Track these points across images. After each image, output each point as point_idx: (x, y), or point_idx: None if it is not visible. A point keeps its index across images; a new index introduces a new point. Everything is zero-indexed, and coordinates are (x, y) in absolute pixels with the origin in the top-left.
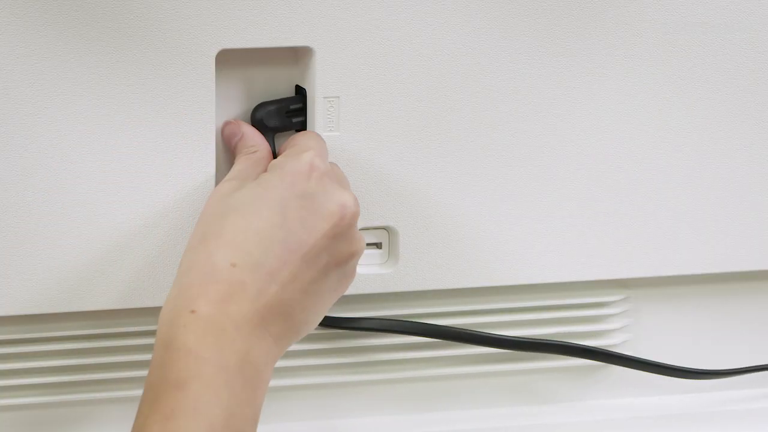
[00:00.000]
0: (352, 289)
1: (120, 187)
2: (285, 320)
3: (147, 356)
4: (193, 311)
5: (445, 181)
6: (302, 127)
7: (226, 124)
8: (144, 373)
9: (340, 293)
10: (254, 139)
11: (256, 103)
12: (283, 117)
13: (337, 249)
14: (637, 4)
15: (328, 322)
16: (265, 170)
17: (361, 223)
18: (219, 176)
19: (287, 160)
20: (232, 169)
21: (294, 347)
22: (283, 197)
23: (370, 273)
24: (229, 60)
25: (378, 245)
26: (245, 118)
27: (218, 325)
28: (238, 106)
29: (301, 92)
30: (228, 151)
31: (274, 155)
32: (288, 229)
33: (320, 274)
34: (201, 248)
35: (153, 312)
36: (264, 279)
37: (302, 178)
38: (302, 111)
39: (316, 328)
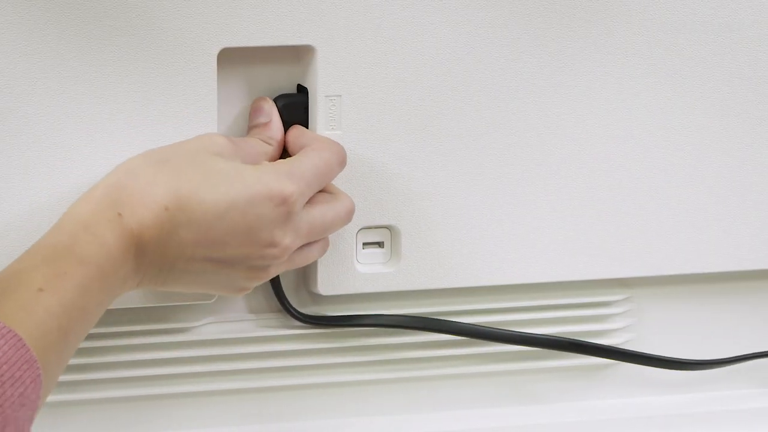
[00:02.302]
0: (353, 288)
1: None
2: (158, 278)
3: (146, 356)
4: (119, 214)
5: (447, 180)
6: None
7: (262, 100)
8: (143, 372)
9: (219, 291)
10: (276, 133)
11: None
12: (302, 112)
13: (239, 269)
14: (638, 4)
15: (331, 321)
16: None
17: (363, 222)
18: None
19: (273, 176)
20: (241, 138)
21: (294, 347)
22: (240, 199)
23: (372, 272)
24: (230, 58)
25: (380, 244)
26: (248, 116)
27: (130, 242)
28: (239, 104)
29: (302, 91)
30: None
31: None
32: (222, 225)
33: (213, 272)
34: (152, 169)
35: (154, 312)
36: (174, 242)
37: (267, 201)
38: None
39: (316, 327)
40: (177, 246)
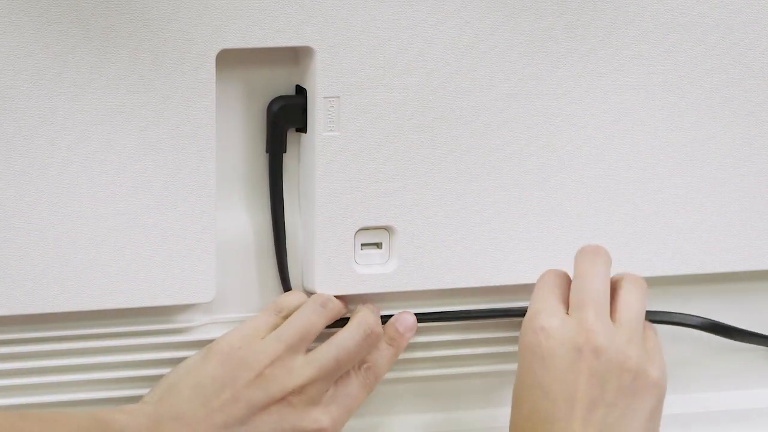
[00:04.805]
0: (351, 289)
1: (120, 187)
2: None
3: (146, 356)
4: None
5: (445, 180)
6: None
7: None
8: (142, 372)
9: None
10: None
11: (257, 103)
12: (300, 114)
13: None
14: (638, 4)
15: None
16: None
17: (361, 223)
18: (219, 176)
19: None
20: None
21: None
22: None
23: (371, 273)
24: (229, 60)
25: (378, 245)
26: (246, 117)
27: None
28: (238, 105)
29: (301, 92)
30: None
31: (284, 150)
32: None
33: None
34: None
35: (153, 312)
36: None
37: None
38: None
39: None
40: None
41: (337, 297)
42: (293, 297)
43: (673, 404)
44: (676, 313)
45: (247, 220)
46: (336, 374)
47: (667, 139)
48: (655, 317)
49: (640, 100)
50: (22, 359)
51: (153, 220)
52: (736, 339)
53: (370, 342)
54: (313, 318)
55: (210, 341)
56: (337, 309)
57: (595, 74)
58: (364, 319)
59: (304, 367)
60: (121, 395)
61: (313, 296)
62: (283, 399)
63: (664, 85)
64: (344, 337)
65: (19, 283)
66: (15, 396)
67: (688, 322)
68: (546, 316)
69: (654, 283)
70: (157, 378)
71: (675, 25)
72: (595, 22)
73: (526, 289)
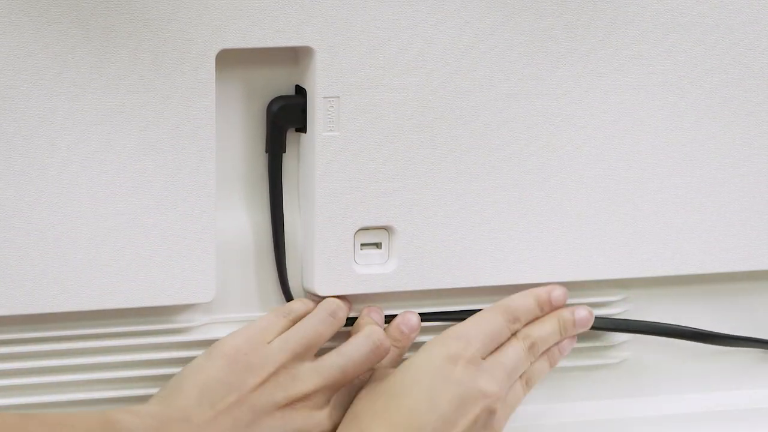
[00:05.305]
0: (351, 289)
1: (120, 187)
2: None
3: (146, 356)
4: None
5: (445, 181)
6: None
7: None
8: (142, 372)
9: None
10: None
11: (256, 103)
12: (300, 114)
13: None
14: (638, 4)
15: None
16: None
17: (361, 223)
18: (219, 176)
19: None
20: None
21: None
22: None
23: (370, 273)
24: (229, 60)
25: (378, 245)
26: (246, 117)
27: None
28: (238, 105)
29: (301, 92)
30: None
31: (284, 150)
32: None
33: None
34: None
35: (153, 312)
36: None
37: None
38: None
39: None
40: None
41: (336, 297)
42: (303, 304)
43: (670, 404)
44: (662, 323)
45: (247, 220)
46: (341, 384)
47: (667, 140)
48: (640, 327)
49: (640, 100)
50: (22, 359)
51: (153, 220)
52: (719, 344)
53: (378, 355)
54: (320, 328)
55: (210, 341)
56: (344, 318)
57: (595, 74)
58: (373, 331)
59: (309, 375)
60: (121, 395)
61: (322, 303)
62: (287, 405)
63: (664, 85)
64: (353, 347)
65: (19, 283)
66: (15, 396)
67: (674, 333)
68: (474, 349)
69: (653, 283)
70: (157, 378)
71: (675, 25)
72: (595, 22)
73: (524, 290)
